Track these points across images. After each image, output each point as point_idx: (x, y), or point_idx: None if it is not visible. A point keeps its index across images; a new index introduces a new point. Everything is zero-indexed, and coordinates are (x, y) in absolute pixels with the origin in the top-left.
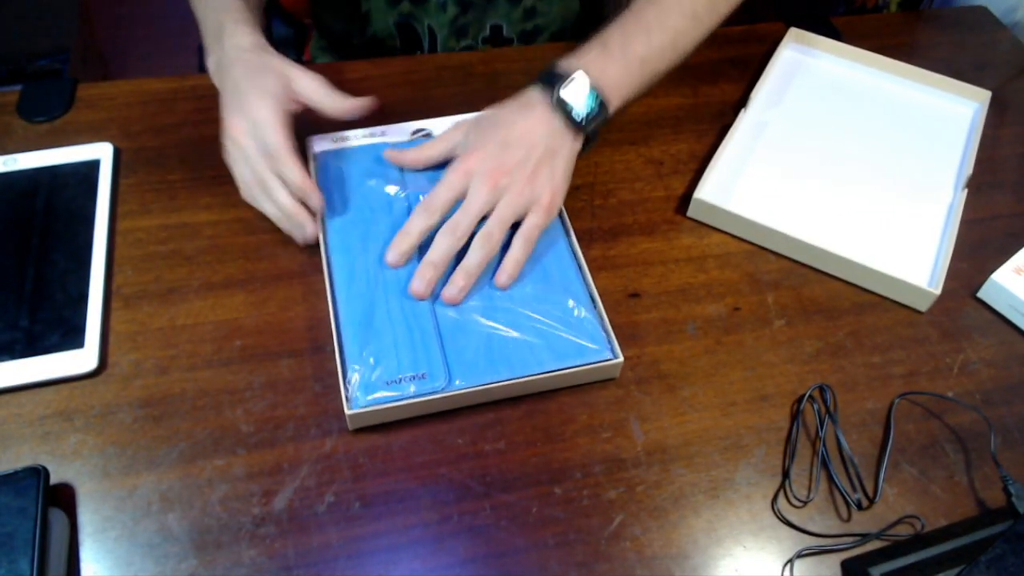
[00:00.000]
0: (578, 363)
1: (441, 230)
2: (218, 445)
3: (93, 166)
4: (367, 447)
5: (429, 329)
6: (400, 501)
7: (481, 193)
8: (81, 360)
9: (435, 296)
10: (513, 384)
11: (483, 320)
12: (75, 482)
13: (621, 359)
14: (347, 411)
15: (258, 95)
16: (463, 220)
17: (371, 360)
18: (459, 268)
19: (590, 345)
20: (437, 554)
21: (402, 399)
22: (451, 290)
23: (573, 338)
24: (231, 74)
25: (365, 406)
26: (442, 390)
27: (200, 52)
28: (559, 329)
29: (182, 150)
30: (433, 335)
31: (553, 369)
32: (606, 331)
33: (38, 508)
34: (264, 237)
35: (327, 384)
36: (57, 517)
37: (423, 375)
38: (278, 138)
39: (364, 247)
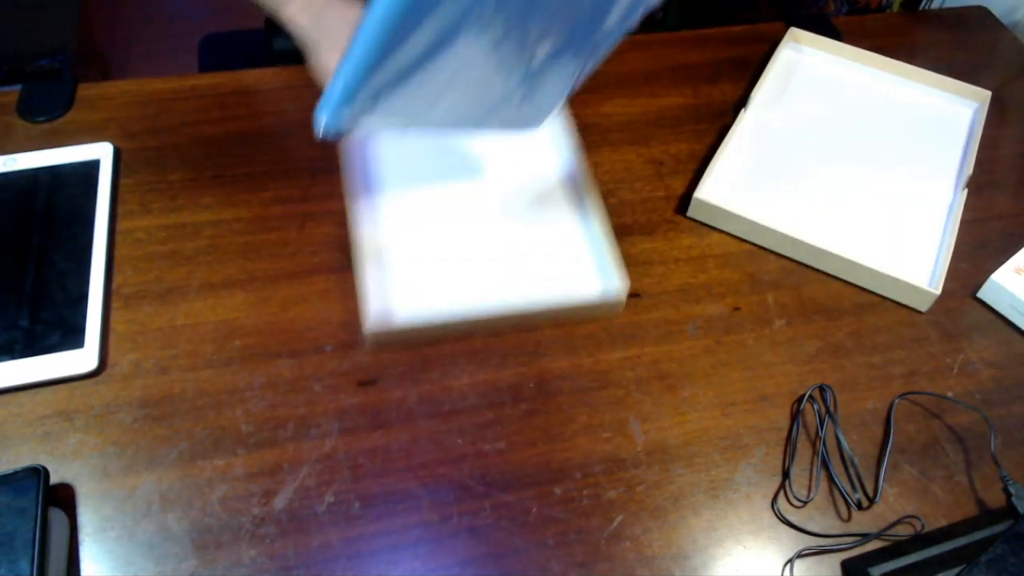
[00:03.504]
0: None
1: None
2: (218, 445)
3: (93, 166)
4: (367, 447)
5: None
6: (400, 501)
7: None
8: (81, 360)
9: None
10: (516, 313)
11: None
12: (75, 482)
13: (624, 295)
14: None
15: None
16: None
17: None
18: None
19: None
20: (437, 554)
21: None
22: None
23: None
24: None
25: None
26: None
27: (200, 51)
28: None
29: (182, 150)
30: None
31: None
32: (611, 266)
33: (38, 508)
34: (264, 237)
35: (327, 384)
36: (57, 517)
37: None
38: None
39: None
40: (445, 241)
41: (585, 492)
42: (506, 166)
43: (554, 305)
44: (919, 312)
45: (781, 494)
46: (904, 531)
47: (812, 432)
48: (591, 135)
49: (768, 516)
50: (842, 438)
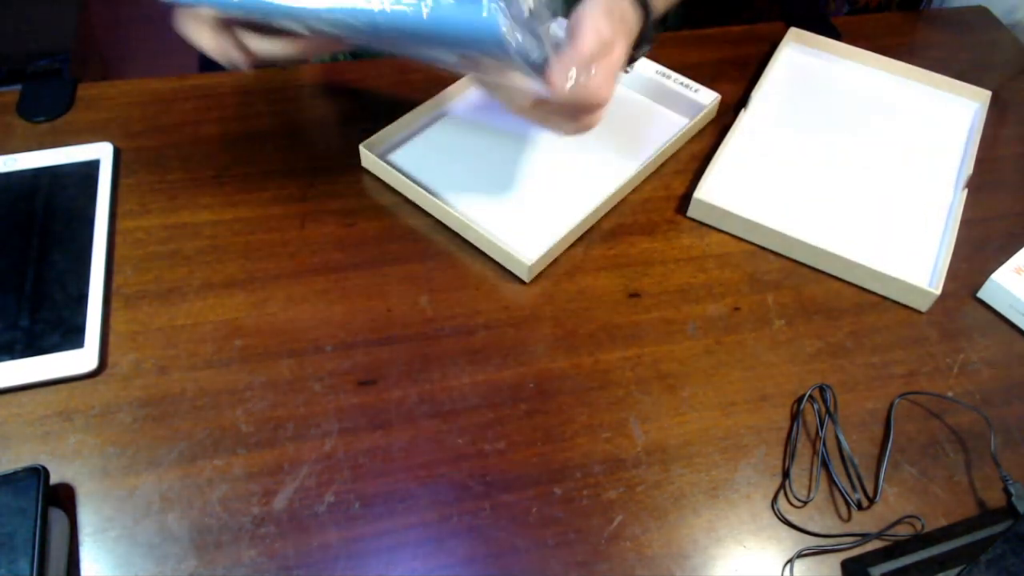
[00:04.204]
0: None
1: None
2: (218, 445)
3: (93, 166)
4: (367, 447)
5: None
6: (400, 501)
7: None
8: (81, 360)
9: None
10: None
11: None
12: (75, 482)
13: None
14: None
15: None
16: None
17: None
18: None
19: None
20: (437, 554)
21: None
22: None
23: None
24: None
25: None
26: None
27: (200, 51)
28: None
29: (182, 150)
30: None
31: None
32: None
33: (38, 508)
34: (264, 237)
35: (327, 384)
36: (57, 517)
37: None
38: None
39: None
40: None
41: (585, 492)
42: None
43: None
44: (919, 312)
45: (781, 494)
46: (904, 531)
47: (812, 432)
48: None
49: (768, 516)
50: (842, 438)
